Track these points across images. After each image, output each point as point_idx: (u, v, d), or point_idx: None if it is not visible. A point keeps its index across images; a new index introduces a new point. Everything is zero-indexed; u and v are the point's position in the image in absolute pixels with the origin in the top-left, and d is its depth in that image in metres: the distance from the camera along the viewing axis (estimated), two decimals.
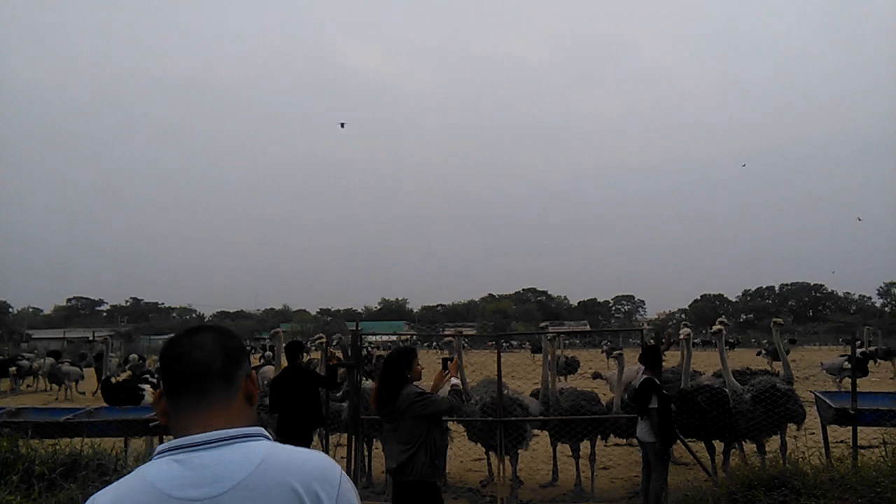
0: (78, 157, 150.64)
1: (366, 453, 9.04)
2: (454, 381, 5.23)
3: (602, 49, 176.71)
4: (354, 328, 8.78)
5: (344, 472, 1.43)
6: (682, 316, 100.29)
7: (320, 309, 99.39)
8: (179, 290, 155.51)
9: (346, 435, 8.40)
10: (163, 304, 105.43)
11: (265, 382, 10.33)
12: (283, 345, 8.44)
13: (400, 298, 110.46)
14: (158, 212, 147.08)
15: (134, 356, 31.93)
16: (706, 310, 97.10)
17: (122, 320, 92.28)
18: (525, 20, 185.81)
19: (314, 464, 1.39)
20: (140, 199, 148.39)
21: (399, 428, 4.76)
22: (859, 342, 33.08)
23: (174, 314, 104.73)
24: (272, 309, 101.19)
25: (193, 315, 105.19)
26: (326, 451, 8.47)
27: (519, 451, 8.43)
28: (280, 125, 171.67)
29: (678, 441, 7.63)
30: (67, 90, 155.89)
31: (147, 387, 11.42)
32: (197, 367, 1.42)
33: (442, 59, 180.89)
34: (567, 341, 32.91)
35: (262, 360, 25.94)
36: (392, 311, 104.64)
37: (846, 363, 17.00)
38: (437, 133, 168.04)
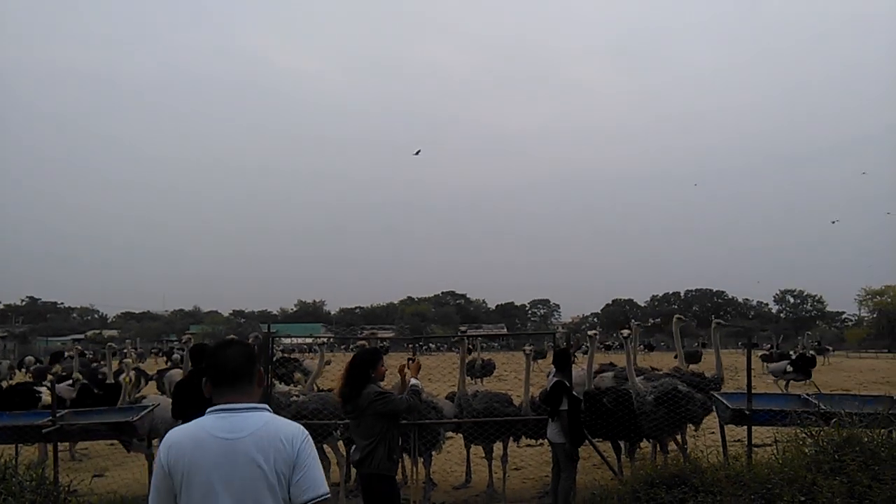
0: None
1: None
2: (413, 381, 5.47)
3: (525, 61, 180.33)
4: (266, 330, 8.56)
5: (309, 436, 2.48)
6: (595, 319, 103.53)
7: (233, 310, 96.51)
8: (80, 289, 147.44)
9: None
10: (62, 304, 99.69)
11: (170, 387, 9.89)
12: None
13: (317, 300, 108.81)
14: (58, 208, 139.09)
15: (30, 358, 29.97)
16: (617, 314, 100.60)
17: (17, 320, 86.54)
18: (450, 30, 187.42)
19: (294, 427, 2.46)
20: (39, 195, 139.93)
21: (361, 424, 5.09)
22: (773, 345, 34.87)
23: (74, 315, 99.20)
24: (181, 310, 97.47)
25: (95, 316, 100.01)
26: None
27: (433, 453, 8.45)
28: (187, 123, 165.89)
29: (586, 441, 7.83)
30: None
31: (44, 389, 10.70)
32: (232, 370, 2.49)
33: (366, 64, 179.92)
34: (484, 344, 33.32)
35: (168, 364, 24.91)
36: (309, 313, 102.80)
37: (788, 367, 18.13)
38: (356, 136, 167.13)
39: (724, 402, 7.74)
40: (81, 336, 69.31)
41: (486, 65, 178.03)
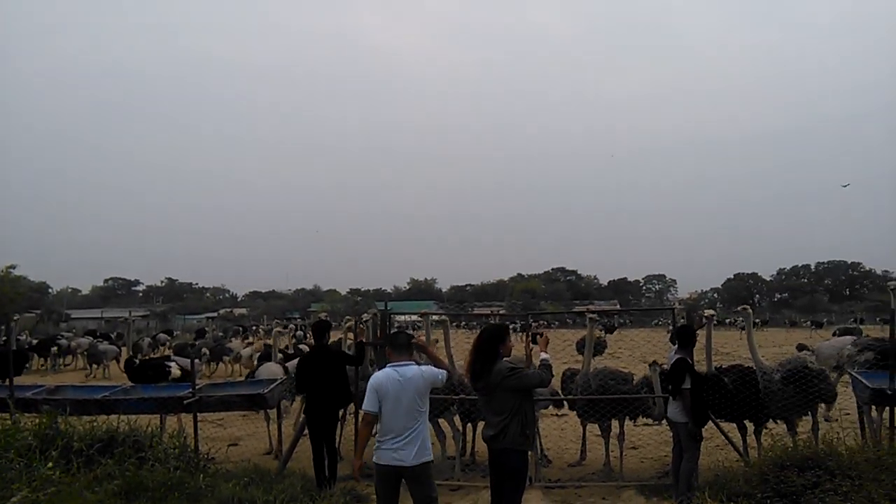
0: (112, 141, 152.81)
1: None
2: (543, 355, 5.44)
3: (632, 23, 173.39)
4: (383, 307, 8.81)
5: (430, 368, 5.24)
6: (715, 295, 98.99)
7: (350, 289, 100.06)
8: (213, 270, 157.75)
9: None
10: (197, 284, 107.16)
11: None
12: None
13: (429, 278, 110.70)
14: (192, 195, 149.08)
15: (163, 335, 32.52)
16: (739, 289, 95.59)
17: (158, 300, 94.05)
18: None
19: (423, 369, 5.11)
20: (172, 182, 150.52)
21: (493, 400, 5.10)
22: None
23: (208, 294, 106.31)
24: (303, 289, 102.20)
25: (226, 295, 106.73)
26: (356, 429, 8.52)
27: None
28: (306, 103, 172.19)
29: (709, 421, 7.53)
30: (115, 66, 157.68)
31: (173, 364, 11.47)
32: (399, 344, 5.24)
33: (466, 33, 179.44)
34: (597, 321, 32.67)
35: (293, 339, 26.18)
36: (421, 290, 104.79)
37: None
38: (460, 111, 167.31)
39: (864, 381, 7.21)
40: (214, 314, 74.36)
41: (593, 30, 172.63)
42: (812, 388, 7.63)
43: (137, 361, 11.96)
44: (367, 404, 4.97)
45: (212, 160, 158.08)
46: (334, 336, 8.92)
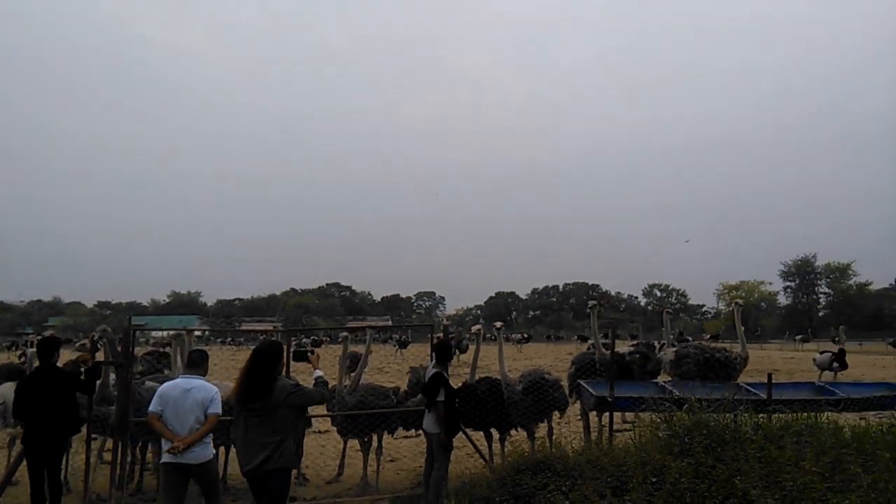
0: None
1: (138, 458, 8.36)
2: (318, 372, 5.45)
3: (412, 50, 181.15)
4: (127, 322, 8.03)
5: (218, 391, 5.73)
6: (478, 312, 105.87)
7: (98, 301, 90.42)
8: None
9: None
10: None
11: None
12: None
13: (192, 291, 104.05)
14: None
15: None
16: (500, 306, 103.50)
17: None
18: (338, 10, 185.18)
19: (211, 386, 5.72)
20: None
21: (273, 419, 4.84)
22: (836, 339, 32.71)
23: None
24: (39, 301, 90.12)
25: None
26: (88, 457, 7.61)
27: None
28: (48, 97, 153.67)
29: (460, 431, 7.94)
30: None
31: None
32: (192, 362, 5.89)
33: (248, 38, 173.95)
34: (376, 336, 33.24)
35: (21, 359, 22.84)
36: (183, 304, 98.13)
37: (834, 362, 17.60)
38: (235, 116, 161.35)
39: (590, 389, 8.10)
40: None
41: (377, 51, 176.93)
42: (548, 397, 8.41)
43: None
44: (151, 406, 5.61)
45: None
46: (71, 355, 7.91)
